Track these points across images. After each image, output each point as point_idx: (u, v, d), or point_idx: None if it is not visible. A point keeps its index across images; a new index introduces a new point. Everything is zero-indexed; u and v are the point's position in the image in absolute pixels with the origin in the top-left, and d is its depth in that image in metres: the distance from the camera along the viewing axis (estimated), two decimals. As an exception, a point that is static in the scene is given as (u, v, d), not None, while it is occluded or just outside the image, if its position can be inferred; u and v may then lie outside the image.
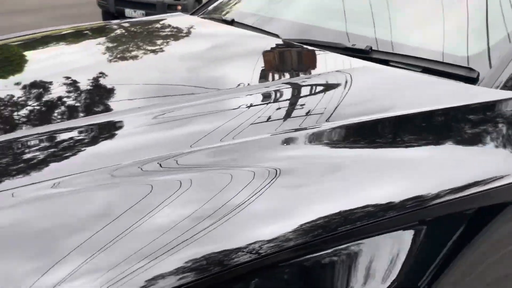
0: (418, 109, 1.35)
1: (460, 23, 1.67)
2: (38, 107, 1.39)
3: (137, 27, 2.35)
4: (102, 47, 1.99)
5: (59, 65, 1.67)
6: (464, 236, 1.11)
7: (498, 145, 1.31)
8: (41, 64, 1.74)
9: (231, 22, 2.16)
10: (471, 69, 1.52)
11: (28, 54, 1.86)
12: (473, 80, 1.51)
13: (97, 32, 2.22)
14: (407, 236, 1.03)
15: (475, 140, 1.30)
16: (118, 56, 1.84)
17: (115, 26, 2.34)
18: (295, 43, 1.82)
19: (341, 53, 1.71)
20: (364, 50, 1.68)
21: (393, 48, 1.67)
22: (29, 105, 1.40)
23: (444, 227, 1.09)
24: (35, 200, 0.97)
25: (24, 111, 1.38)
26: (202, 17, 2.38)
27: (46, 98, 1.45)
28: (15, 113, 1.37)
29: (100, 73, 1.60)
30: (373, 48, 1.68)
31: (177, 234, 0.87)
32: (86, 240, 0.86)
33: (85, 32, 2.22)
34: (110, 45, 2.04)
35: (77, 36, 2.17)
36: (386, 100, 1.41)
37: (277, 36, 1.93)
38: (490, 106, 1.41)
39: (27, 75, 1.62)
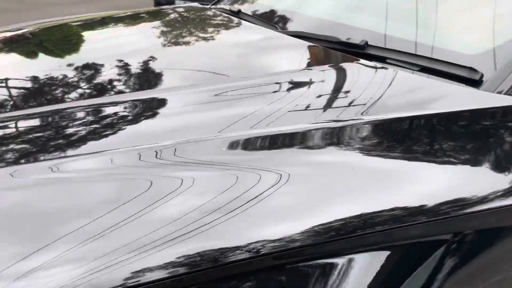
0: (409, 112, 1.19)
1: (465, 18, 1.48)
2: (87, 84, 1.41)
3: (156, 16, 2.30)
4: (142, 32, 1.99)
5: (111, 47, 1.71)
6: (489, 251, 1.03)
7: (501, 160, 1.13)
8: (96, 44, 1.78)
9: (237, 13, 2.06)
10: (473, 70, 1.34)
11: (85, 35, 1.93)
12: (475, 83, 1.32)
13: (151, 16, 2.25)
14: (430, 247, 0.95)
15: (474, 153, 1.13)
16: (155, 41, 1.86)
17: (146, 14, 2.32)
18: (289, 36, 1.68)
19: (336, 48, 1.56)
20: (358, 45, 1.51)
21: (391, 44, 1.50)
22: (80, 81, 1.42)
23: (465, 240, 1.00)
24: (44, 180, 0.95)
25: (74, 86, 1.39)
26: (214, 8, 2.29)
27: (96, 76, 1.46)
28: (66, 88, 1.38)
29: (146, 55, 1.59)
30: (369, 43, 1.51)
31: (175, 228, 0.83)
32: (80, 227, 0.82)
33: (141, 15, 2.26)
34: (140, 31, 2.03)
35: (126, 19, 2.20)
36: (376, 102, 1.26)
37: (275, 28, 1.80)
38: (492, 114, 1.23)
39: (82, 54, 1.66)
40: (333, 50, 1.56)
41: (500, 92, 1.27)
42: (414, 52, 1.46)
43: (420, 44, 1.49)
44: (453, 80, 1.35)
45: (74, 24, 2.02)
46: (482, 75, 1.32)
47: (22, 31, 1.89)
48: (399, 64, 1.45)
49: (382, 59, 1.48)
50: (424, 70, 1.41)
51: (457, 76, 1.35)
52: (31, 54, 1.72)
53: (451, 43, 1.47)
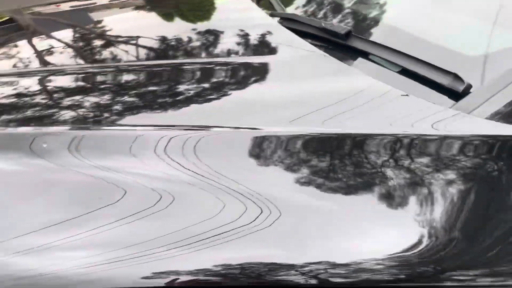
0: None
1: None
2: (205, 47, 1.36)
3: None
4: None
5: (236, 19, 1.59)
6: None
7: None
8: (225, 14, 1.69)
9: None
10: (458, 78, 0.99)
11: (218, 2, 1.89)
12: (458, 95, 0.98)
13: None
14: None
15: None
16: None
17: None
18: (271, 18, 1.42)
19: (320, 35, 1.27)
20: (339, 34, 1.21)
21: (383, 36, 1.18)
22: (199, 45, 1.37)
23: None
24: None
25: (192, 48, 1.35)
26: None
27: (215, 42, 1.39)
28: (184, 49, 1.34)
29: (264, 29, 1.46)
30: (353, 33, 1.20)
31: (220, 227, 0.70)
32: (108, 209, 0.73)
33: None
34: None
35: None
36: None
37: (277, 8, 1.54)
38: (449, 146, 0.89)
39: (210, 22, 1.60)
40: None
41: (481, 115, 0.92)
42: (407, 49, 1.12)
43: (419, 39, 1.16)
44: (433, 88, 1.02)
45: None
46: (468, 86, 0.98)
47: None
48: (380, 62, 1.13)
49: (364, 54, 1.17)
50: (405, 72, 1.08)
51: (437, 84, 1.01)
52: (166, 14, 1.74)
53: (454, 40, 1.12)
